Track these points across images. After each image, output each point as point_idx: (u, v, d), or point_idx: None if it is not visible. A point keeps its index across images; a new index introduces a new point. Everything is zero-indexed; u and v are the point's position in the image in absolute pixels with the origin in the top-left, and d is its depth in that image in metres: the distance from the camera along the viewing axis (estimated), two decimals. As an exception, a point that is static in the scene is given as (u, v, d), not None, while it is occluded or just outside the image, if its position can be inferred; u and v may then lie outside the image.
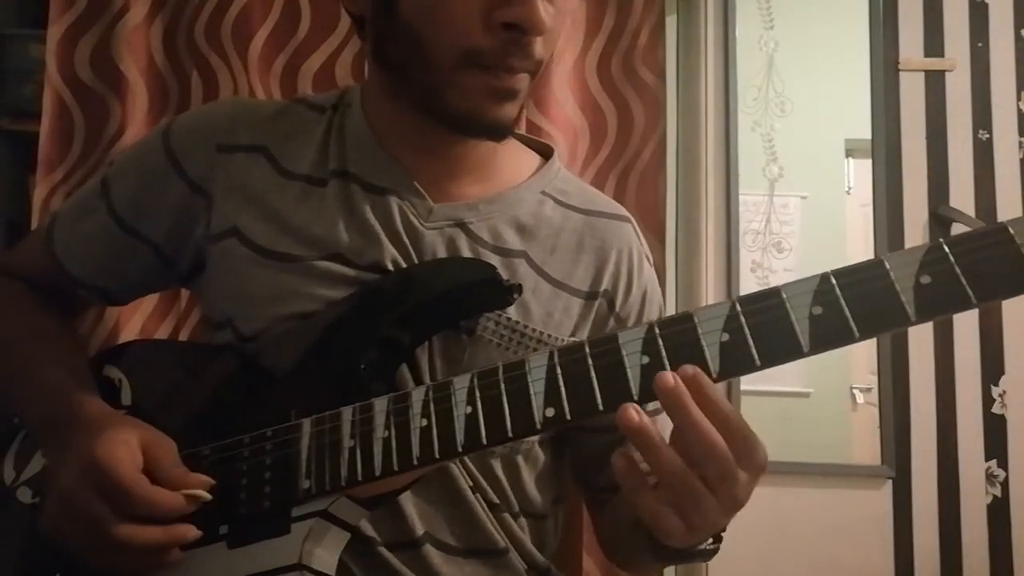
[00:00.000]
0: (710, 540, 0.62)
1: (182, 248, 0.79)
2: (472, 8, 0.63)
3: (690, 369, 0.53)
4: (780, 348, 0.53)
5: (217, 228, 0.76)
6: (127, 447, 0.60)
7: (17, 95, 1.67)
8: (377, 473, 0.60)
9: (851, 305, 0.52)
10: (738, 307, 0.54)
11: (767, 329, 0.53)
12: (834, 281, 0.53)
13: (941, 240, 0.51)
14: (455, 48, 0.64)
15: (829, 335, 0.52)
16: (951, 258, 0.51)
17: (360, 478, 0.61)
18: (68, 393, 0.69)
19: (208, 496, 0.61)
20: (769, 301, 0.54)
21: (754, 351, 0.53)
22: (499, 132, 0.71)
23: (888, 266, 0.52)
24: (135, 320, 1.44)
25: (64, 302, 0.85)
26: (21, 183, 1.72)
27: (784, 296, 0.53)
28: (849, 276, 0.53)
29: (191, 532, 0.60)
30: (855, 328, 0.52)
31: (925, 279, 0.51)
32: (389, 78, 0.73)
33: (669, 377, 0.52)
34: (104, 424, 0.63)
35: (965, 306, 0.50)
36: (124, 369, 0.76)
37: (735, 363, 0.54)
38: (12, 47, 1.67)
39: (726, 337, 0.54)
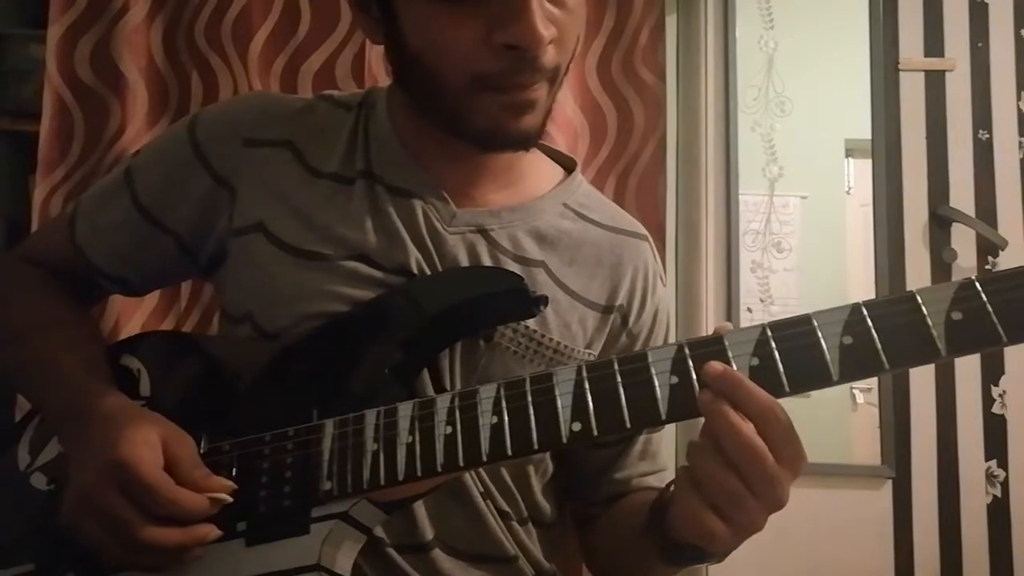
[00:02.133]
0: None
1: (204, 240, 0.79)
2: (472, 34, 0.62)
3: (719, 366, 0.53)
4: (809, 375, 0.53)
5: (241, 222, 0.75)
6: (149, 446, 0.60)
7: (17, 95, 1.66)
8: (400, 478, 0.60)
9: (882, 337, 0.52)
10: (769, 332, 0.54)
11: (797, 356, 0.53)
12: (865, 312, 0.53)
13: (974, 278, 0.52)
14: (464, 74, 0.64)
15: (859, 365, 0.52)
16: (983, 296, 0.51)
17: (383, 482, 0.60)
18: (86, 383, 0.69)
19: (230, 499, 0.61)
20: (800, 328, 0.54)
21: (783, 377, 0.53)
22: (524, 144, 0.71)
23: (920, 300, 0.52)
24: (136, 319, 1.44)
25: (83, 290, 0.84)
26: (21, 183, 1.71)
27: (815, 324, 0.54)
28: (880, 308, 0.53)
29: (212, 533, 0.60)
30: (885, 360, 0.52)
31: (956, 315, 0.51)
32: (411, 101, 0.74)
33: (717, 366, 0.53)
34: (125, 419, 0.63)
35: (995, 344, 0.51)
36: (143, 359, 0.76)
37: (764, 387, 0.54)
38: (12, 47, 1.67)
39: (756, 362, 0.54)
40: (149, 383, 0.74)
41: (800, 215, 1.82)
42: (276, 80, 1.50)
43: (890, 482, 1.75)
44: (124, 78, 1.45)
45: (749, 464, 0.53)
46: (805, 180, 1.83)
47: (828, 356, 0.53)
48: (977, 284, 0.51)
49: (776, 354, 0.54)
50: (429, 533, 0.70)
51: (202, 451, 0.65)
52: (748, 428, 0.53)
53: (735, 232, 1.79)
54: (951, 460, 1.76)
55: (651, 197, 1.57)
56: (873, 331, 0.52)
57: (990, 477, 1.76)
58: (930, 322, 0.51)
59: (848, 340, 0.53)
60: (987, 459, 1.76)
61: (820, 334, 0.53)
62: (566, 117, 1.54)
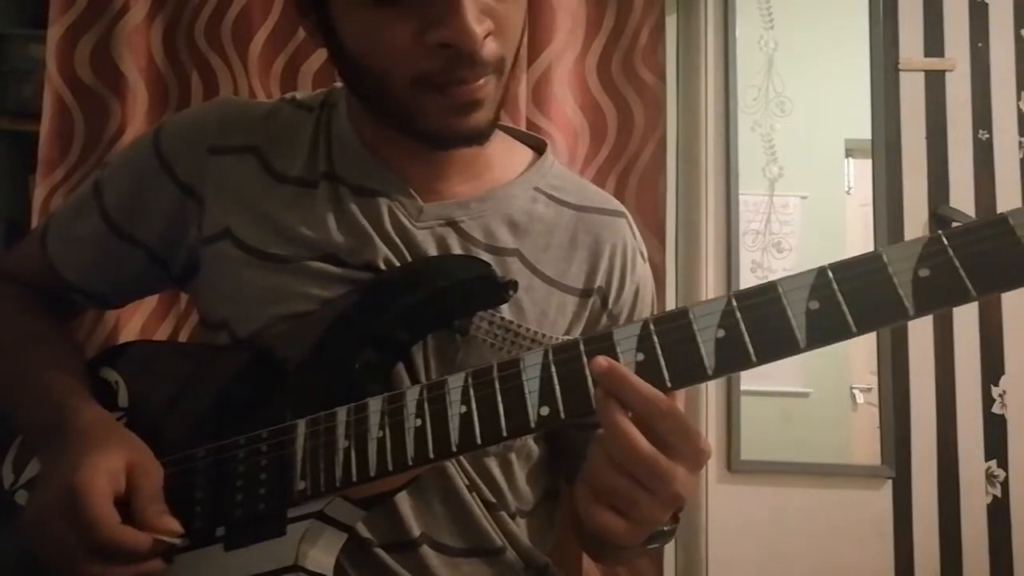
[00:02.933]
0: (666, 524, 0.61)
1: (175, 251, 0.79)
2: (406, 34, 0.61)
3: (604, 362, 0.53)
4: (776, 344, 0.52)
5: (209, 230, 0.75)
6: (109, 476, 0.59)
7: (17, 95, 1.67)
8: (372, 474, 0.60)
9: (848, 299, 0.51)
10: (734, 302, 0.53)
11: (763, 325, 0.52)
12: (831, 275, 0.52)
13: (940, 232, 0.50)
14: (404, 76, 0.64)
15: (826, 330, 0.51)
16: (950, 251, 0.50)
17: (355, 479, 0.60)
18: (63, 399, 0.69)
19: (176, 542, 0.60)
20: (765, 296, 0.53)
21: (750, 347, 0.52)
22: (476, 140, 0.70)
23: (886, 259, 0.51)
24: (135, 320, 1.44)
25: (60, 305, 0.84)
26: (21, 183, 1.72)
27: (781, 291, 0.53)
28: (846, 270, 0.52)
29: (155, 570, 0.60)
30: (852, 323, 0.51)
31: (924, 272, 0.50)
32: (361, 103, 0.73)
33: (602, 361, 0.53)
34: (96, 442, 0.62)
35: (964, 299, 0.49)
36: (121, 371, 0.76)
37: (731, 359, 0.53)
38: (12, 47, 1.67)
39: (721, 333, 0.53)
40: (127, 394, 0.74)
41: (800, 215, 1.82)
42: (276, 80, 1.51)
43: (890, 482, 1.75)
44: (124, 78, 1.45)
45: (634, 465, 0.53)
46: (805, 180, 1.83)
47: (794, 323, 0.52)
48: (944, 239, 0.50)
49: (742, 324, 0.53)
50: (416, 530, 0.70)
51: (177, 458, 0.65)
52: (631, 430, 0.52)
53: (735, 232, 1.79)
54: (951, 460, 1.76)
55: (651, 197, 1.57)
56: (839, 294, 0.51)
57: (990, 477, 1.75)
58: (896, 280, 0.50)
59: (815, 305, 0.51)
60: (987, 459, 1.76)
61: (786, 301, 0.52)
62: (566, 117, 1.54)
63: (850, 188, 1.86)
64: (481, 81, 0.65)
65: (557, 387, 0.56)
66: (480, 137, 0.70)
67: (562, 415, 0.56)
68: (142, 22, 1.48)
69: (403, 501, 0.69)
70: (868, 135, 1.81)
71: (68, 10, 1.47)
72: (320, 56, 1.51)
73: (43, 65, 1.47)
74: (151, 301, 1.44)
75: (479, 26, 0.61)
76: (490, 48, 0.64)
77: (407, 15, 0.61)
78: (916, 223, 1.81)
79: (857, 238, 1.83)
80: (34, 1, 1.64)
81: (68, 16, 1.47)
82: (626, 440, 0.52)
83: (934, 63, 1.83)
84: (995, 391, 1.77)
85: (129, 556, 0.58)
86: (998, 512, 1.74)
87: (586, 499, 0.56)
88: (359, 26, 0.64)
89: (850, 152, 1.85)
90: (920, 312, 0.50)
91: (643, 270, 0.84)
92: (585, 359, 0.56)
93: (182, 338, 1.43)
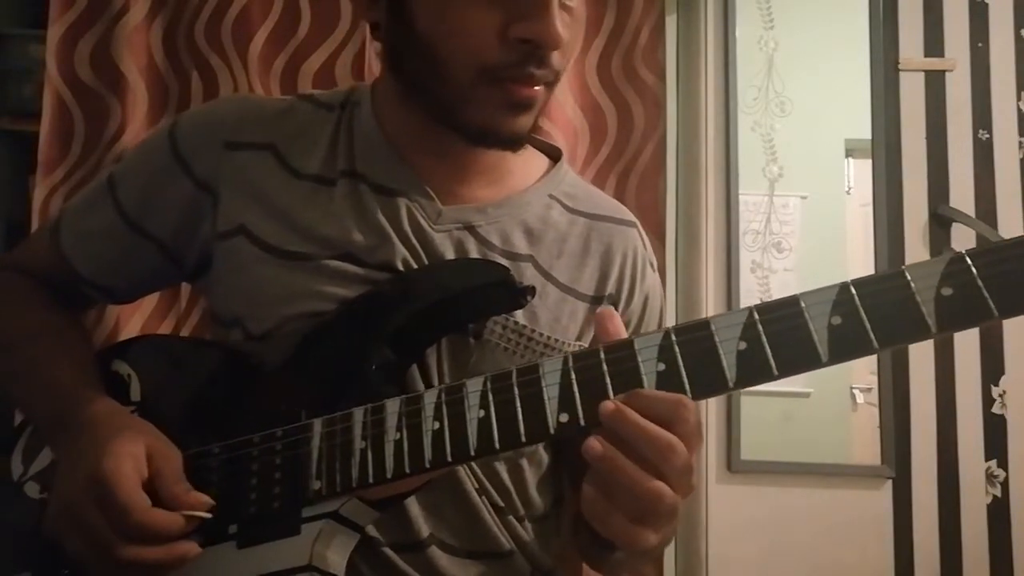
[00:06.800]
0: None
1: (189, 246, 0.79)
2: (488, 24, 0.63)
3: (611, 404, 0.54)
4: (798, 357, 0.52)
5: (224, 226, 0.75)
6: (133, 460, 0.60)
7: (17, 95, 1.67)
8: (388, 476, 0.60)
9: (871, 316, 0.51)
10: (756, 315, 0.53)
11: (785, 338, 0.52)
12: (854, 291, 0.52)
13: (963, 252, 0.50)
14: (472, 64, 0.64)
15: (848, 345, 0.51)
16: (973, 270, 0.49)
17: (371, 480, 0.60)
18: (76, 391, 0.69)
19: (208, 515, 0.61)
20: (787, 310, 0.53)
21: (772, 360, 0.52)
22: (515, 144, 0.71)
23: (909, 277, 0.51)
24: (135, 320, 1.44)
25: (71, 298, 0.84)
26: (21, 183, 1.72)
27: (803, 305, 0.52)
28: (869, 286, 0.52)
29: (192, 551, 0.60)
30: (874, 339, 0.51)
31: (946, 291, 0.50)
32: (403, 87, 0.73)
33: (610, 404, 0.54)
34: (113, 430, 0.62)
35: (987, 319, 0.49)
36: (133, 364, 0.76)
37: (752, 372, 0.53)
38: (12, 47, 1.67)
39: (743, 345, 0.53)
40: (139, 388, 0.74)
41: (800, 215, 1.82)
42: (276, 80, 1.51)
43: (890, 482, 1.75)
44: (124, 78, 1.46)
45: (667, 454, 0.52)
46: (805, 180, 1.83)
47: (816, 337, 0.51)
48: (967, 258, 0.50)
49: (763, 337, 0.53)
50: (424, 531, 0.70)
51: (191, 454, 0.65)
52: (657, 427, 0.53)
53: (735, 232, 1.79)
54: (951, 460, 1.76)
55: (651, 197, 1.57)
56: (861, 310, 0.51)
57: (990, 477, 1.76)
58: (919, 299, 0.50)
59: (837, 320, 0.51)
60: (987, 459, 1.76)
61: (808, 315, 0.52)
62: (566, 117, 1.54)
63: (850, 188, 1.86)
64: (539, 87, 0.66)
65: (577, 394, 0.56)
66: (518, 141, 0.71)
67: (582, 422, 0.56)
68: (142, 22, 1.48)
69: (412, 502, 0.69)
70: (868, 135, 1.81)
71: (68, 10, 1.47)
72: (320, 56, 1.51)
73: (43, 65, 1.47)
74: (151, 301, 1.45)
75: (563, 31, 0.62)
76: (556, 57, 0.65)
77: (492, 5, 0.62)
78: (916, 223, 1.81)
79: (857, 238, 1.83)
80: (34, 1, 1.64)
81: (68, 16, 1.47)
82: (661, 437, 0.52)
83: (934, 63, 1.84)
84: (995, 391, 1.77)
85: (162, 538, 0.59)
86: (998, 512, 1.74)
87: (600, 504, 0.55)
88: (438, 9, 0.65)
89: (850, 152, 1.85)
90: (942, 331, 0.50)
91: (652, 280, 0.84)
92: (606, 367, 0.56)
93: (182, 338, 1.43)
